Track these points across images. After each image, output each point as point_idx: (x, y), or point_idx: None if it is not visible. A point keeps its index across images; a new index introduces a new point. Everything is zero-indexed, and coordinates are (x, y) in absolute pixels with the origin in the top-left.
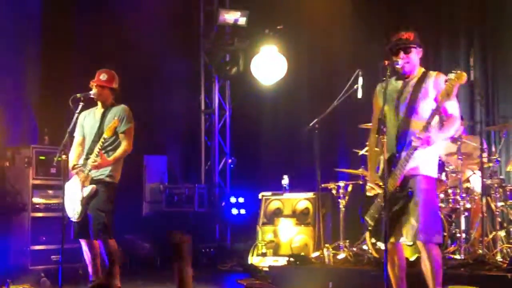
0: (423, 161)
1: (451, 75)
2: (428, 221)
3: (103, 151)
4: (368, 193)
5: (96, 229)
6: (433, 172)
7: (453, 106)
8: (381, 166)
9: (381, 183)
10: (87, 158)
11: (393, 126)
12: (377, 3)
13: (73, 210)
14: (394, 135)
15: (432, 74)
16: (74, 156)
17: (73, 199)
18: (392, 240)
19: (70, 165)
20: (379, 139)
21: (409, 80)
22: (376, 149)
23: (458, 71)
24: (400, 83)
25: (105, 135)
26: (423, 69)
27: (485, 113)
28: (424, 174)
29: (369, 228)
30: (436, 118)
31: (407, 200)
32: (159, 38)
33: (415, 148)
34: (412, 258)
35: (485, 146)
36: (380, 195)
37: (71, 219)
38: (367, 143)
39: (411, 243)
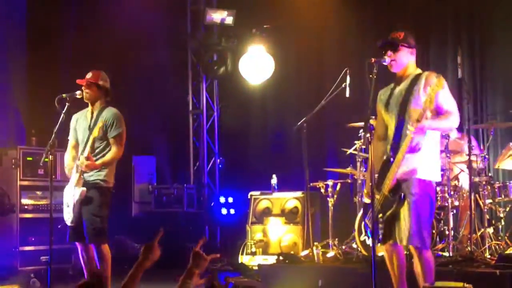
0: (417, 165)
1: (432, 82)
2: (418, 226)
3: (92, 156)
4: (365, 200)
5: (91, 233)
6: (430, 176)
7: (448, 103)
8: (370, 168)
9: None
10: None
11: (391, 131)
12: (365, 1)
13: (68, 213)
14: (391, 139)
15: (424, 74)
16: (69, 159)
17: (69, 202)
18: (390, 241)
19: (66, 170)
20: (365, 137)
21: (403, 82)
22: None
23: (438, 78)
24: (394, 86)
25: (94, 134)
26: (419, 70)
27: (473, 111)
28: (417, 178)
29: (370, 230)
30: (428, 115)
31: (398, 204)
32: (146, 38)
33: (411, 139)
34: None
35: (473, 143)
36: (377, 199)
37: (66, 222)
38: (355, 142)
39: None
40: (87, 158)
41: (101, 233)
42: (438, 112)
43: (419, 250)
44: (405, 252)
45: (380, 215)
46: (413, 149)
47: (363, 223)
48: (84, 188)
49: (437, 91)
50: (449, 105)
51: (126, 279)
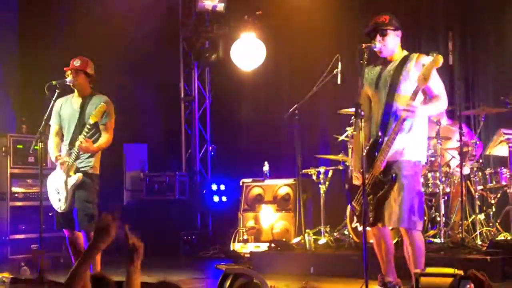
0: (407, 145)
1: (428, 59)
2: (411, 208)
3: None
4: (354, 182)
5: (83, 220)
6: (418, 156)
7: (438, 87)
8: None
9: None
10: (70, 148)
11: (377, 111)
12: None
13: (58, 200)
14: (378, 120)
15: (414, 56)
16: (53, 146)
17: (59, 189)
18: (379, 224)
19: (52, 156)
20: (356, 123)
21: (391, 63)
22: (354, 132)
23: (434, 54)
24: (382, 67)
25: (91, 121)
26: (405, 52)
27: (464, 97)
28: (407, 159)
29: (357, 213)
30: (421, 97)
31: (390, 185)
32: (138, 25)
33: (403, 120)
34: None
35: (464, 130)
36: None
37: (56, 210)
38: (347, 128)
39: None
40: (87, 140)
41: (92, 219)
42: (428, 95)
43: (410, 231)
44: (397, 239)
45: (370, 197)
46: (402, 131)
47: (349, 205)
48: (81, 174)
49: (434, 67)
50: (438, 88)
51: (79, 260)
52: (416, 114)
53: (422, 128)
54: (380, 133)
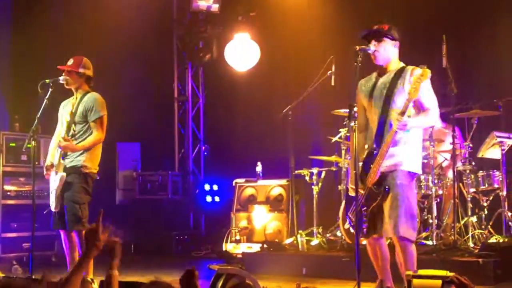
0: (402, 157)
1: (417, 73)
2: (404, 218)
3: (72, 139)
4: (350, 193)
5: (70, 220)
6: (413, 167)
7: (429, 100)
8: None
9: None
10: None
11: (373, 123)
12: None
13: (52, 199)
14: (373, 132)
15: (409, 69)
16: (52, 147)
17: (52, 188)
18: (374, 235)
19: (47, 161)
20: (349, 125)
21: (386, 75)
22: (347, 134)
23: (423, 69)
24: (377, 78)
25: (64, 119)
26: (402, 64)
27: (457, 100)
28: (403, 169)
29: (353, 224)
30: (412, 110)
31: (383, 196)
32: (132, 24)
33: (395, 133)
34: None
35: (457, 132)
36: (360, 193)
37: (50, 208)
38: (340, 130)
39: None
40: (65, 139)
41: (81, 220)
42: (420, 108)
43: (404, 243)
44: (388, 240)
45: (364, 208)
46: (397, 142)
47: (346, 216)
48: (64, 174)
49: (423, 81)
50: (430, 102)
51: (71, 268)
52: (407, 128)
53: (417, 140)
54: (374, 145)
